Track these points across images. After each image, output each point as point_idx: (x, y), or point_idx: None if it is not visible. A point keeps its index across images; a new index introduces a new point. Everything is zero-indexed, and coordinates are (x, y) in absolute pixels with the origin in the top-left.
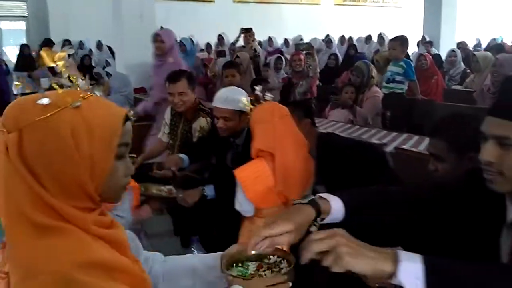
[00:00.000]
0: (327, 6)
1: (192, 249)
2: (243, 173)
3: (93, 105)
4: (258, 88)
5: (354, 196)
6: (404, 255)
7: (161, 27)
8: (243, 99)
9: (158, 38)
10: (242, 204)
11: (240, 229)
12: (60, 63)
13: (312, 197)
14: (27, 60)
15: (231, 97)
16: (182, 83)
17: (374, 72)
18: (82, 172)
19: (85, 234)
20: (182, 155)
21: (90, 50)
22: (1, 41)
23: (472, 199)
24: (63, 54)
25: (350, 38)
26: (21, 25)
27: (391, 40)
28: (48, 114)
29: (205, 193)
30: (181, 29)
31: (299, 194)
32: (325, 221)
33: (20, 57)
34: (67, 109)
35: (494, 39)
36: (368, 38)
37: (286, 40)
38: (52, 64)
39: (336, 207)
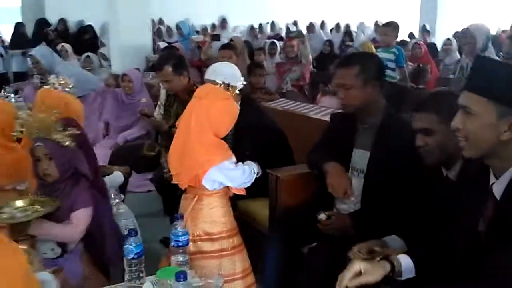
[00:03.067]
0: None
1: (176, 226)
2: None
3: None
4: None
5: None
6: None
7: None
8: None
9: (125, 78)
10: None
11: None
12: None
13: None
14: (22, 39)
15: (216, 69)
16: (165, 71)
17: None
18: None
19: None
20: None
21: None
22: None
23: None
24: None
25: (347, 26)
26: (17, 2)
27: (383, 25)
28: None
29: None
30: (177, 11)
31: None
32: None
33: (15, 35)
34: None
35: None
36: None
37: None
38: None
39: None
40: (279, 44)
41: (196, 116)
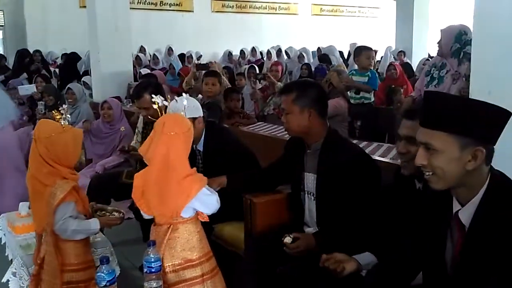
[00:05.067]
0: (304, 16)
1: (148, 252)
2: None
3: None
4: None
5: None
6: None
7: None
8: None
9: (105, 105)
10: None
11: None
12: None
13: None
14: (2, 70)
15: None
16: (145, 99)
17: (335, 80)
18: None
19: None
20: None
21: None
22: None
23: (424, 194)
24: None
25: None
26: None
27: (366, 49)
28: None
29: None
30: (159, 38)
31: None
32: None
33: None
34: None
35: None
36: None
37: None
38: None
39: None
40: (257, 68)
41: (175, 151)
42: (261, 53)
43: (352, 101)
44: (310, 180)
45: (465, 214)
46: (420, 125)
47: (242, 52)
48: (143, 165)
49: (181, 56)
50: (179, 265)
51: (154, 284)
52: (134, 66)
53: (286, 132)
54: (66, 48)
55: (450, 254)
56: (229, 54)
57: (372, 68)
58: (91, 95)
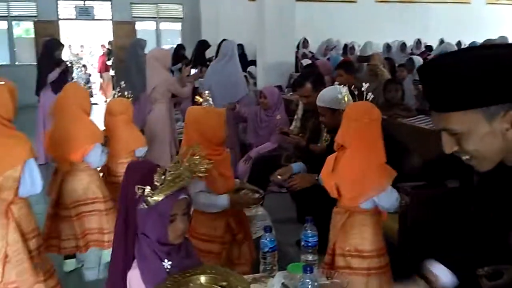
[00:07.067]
0: (478, 5)
1: (306, 228)
2: None
3: None
4: None
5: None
6: None
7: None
8: (338, 97)
9: (261, 95)
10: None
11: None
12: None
13: None
14: (180, 59)
15: (323, 95)
16: (306, 88)
17: None
18: None
19: None
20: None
21: None
22: (160, 40)
23: None
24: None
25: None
26: (177, 26)
27: None
28: None
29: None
30: (322, 29)
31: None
32: None
33: (174, 55)
34: None
35: None
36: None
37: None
38: None
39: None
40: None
41: (369, 137)
42: (426, 46)
43: None
44: None
45: None
46: (430, 108)
47: (403, 44)
48: (298, 150)
49: (343, 47)
50: (348, 251)
51: (310, 257)
52: (296, 57)
53: None
54: (235, 40)
55: None
56: (388, 46)
57: None
58: (255, 84)
